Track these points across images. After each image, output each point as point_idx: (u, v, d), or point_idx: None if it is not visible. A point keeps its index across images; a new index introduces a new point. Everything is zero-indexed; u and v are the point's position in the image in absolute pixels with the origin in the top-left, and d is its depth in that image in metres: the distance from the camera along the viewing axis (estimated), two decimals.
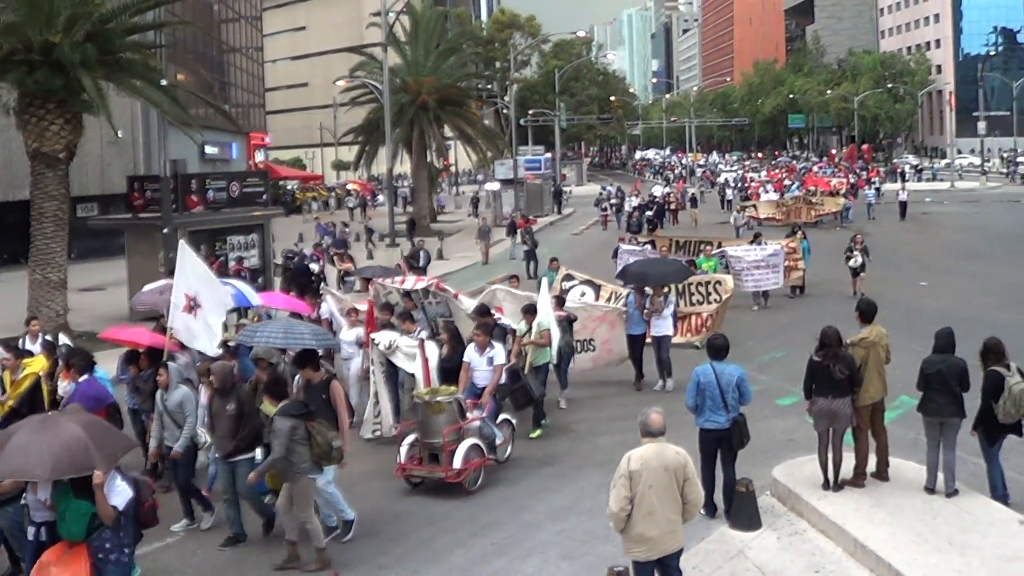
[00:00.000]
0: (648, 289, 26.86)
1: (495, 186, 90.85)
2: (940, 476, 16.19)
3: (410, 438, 18.99)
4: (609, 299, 30.71)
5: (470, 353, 20.47)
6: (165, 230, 37.98)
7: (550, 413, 23.40)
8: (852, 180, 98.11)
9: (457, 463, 18.12)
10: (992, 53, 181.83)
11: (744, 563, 14.77)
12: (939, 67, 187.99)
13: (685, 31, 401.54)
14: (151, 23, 39.00)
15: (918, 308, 34.58)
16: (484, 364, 20.20)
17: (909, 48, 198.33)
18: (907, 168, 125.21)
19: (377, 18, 64.01)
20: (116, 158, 65.47)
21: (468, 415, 18.99)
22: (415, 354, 21.40)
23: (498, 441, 19.45)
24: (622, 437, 18.78)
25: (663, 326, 26.29)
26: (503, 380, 20.56)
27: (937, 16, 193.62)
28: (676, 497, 11.84)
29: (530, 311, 22.82)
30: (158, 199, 39.27)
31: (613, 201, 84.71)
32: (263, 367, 17.68)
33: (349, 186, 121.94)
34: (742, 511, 15.91)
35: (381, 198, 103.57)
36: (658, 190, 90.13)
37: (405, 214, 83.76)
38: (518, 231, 59.43)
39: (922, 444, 16.94)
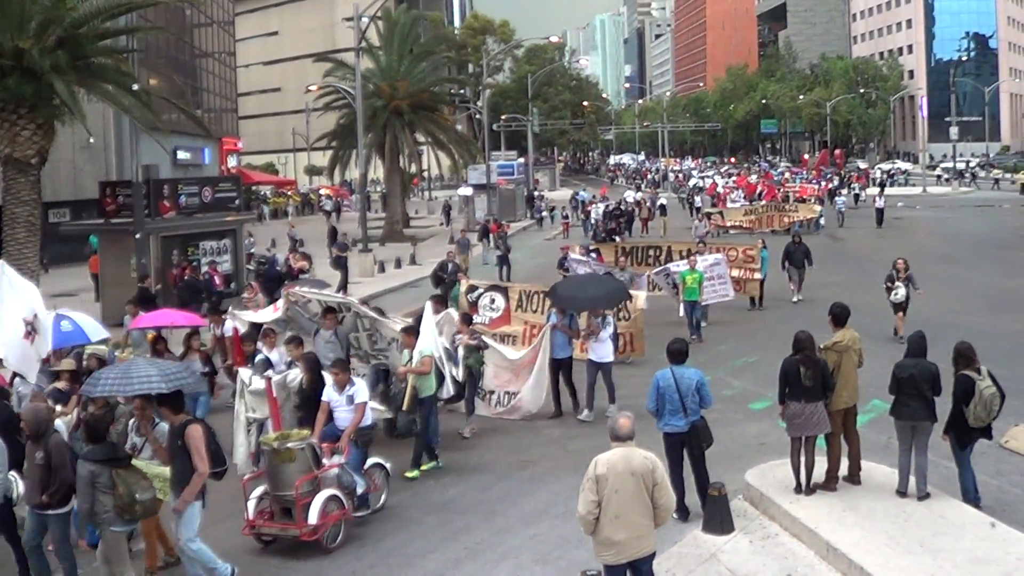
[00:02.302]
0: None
1: (468, 191, 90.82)
2: (912, 480, 16.25)
3: (258, 490, 16.66)
4: (519, 300, 30.06)
5: (328, 392, 18.08)
6: (137, 235, 37.90)
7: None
8: (832, 186, 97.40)
9: (312, 518, 15.91)
10: (964, 59, 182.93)
11: (717, 567, 14.78)
12: (911, 72, 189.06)
13: (658, 36, 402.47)
14: (123, 28, 38.89)
15: (890, 313, 34.64)
16: (344, 403, 17.86)
17: (881, 53, 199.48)
18: (882, 173, 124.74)
19: (350, 24, 63.90)
20: (88, 163, 65.25)
21: (325, 462, 16.88)
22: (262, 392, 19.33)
23: (360, 489, 17.15)
24: (595, 442, 18.74)
25: (603, 350, 23.88)
26: (368, 420, 18.21)
27: (909, 22, 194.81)
28: (645, 501, 11.85)
29: (410, 332, 20.97)
30: (130, 204, 39.12)
31: (543, 213, 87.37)
32: (99, 405, 16.64)
33: (322, 191, 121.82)
34: (715, 515, 15.93)
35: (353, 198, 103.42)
36: (631, 195, 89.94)
37: (378, 219, 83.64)
38: (490, 236, 59.45)
39: (894, 448, 17.00)
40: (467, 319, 24.23)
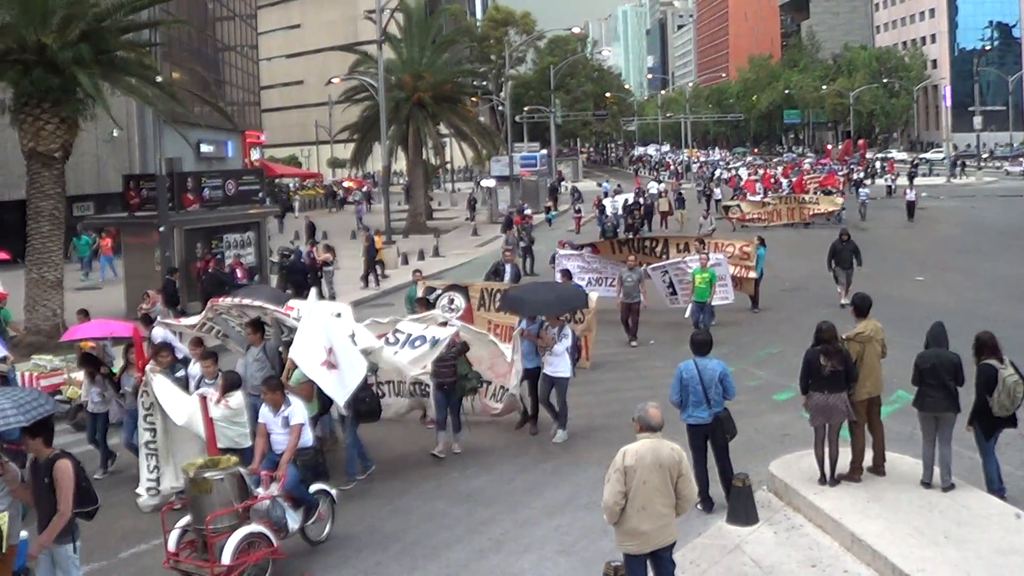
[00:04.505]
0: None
1: (491, 183, 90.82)
2: (936, 470, 16.24)
3: (183, 520, 15.17)
4: (481, 299, 29.41)
5: (263, 413, 16.52)
6: (161, 228, 38.02)
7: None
8: (857, 176, 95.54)
9: (226, 558, 14.33)
10: (987, 48, 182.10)
11: (741, 558, 14.80)
12: (934, 62, 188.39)
13: (680, 27, 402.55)
14: (145, 22, 38.97)
15: (914, 303, 34.57)
16: (279, 426, 16.23)
17: (904, 43, 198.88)
18: (911, 164, 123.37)
19: (372, 15, 64.00)
20: (112, 157, 65.58)
21: (259, 492, 15.42)
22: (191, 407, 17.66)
23: (293, 525, 15.63)
24: (619, 433, 18.75)
25: (558, 365, 21.76)
26: (308, 440, 16.50)
27: (932, 11, 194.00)
28: (670, 492, 11.90)
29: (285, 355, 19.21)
30: (154, 198, 39.20)
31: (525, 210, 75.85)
32: None
33: (345, 183, 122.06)
34: (739, 506, 15.95)
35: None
36: (654, 186, 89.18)
37: (401, 211, 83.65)
38: (514, 227, 59.35)
39: (918, 438, 16.98)
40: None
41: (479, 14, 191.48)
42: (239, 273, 38.85)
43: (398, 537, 16.52)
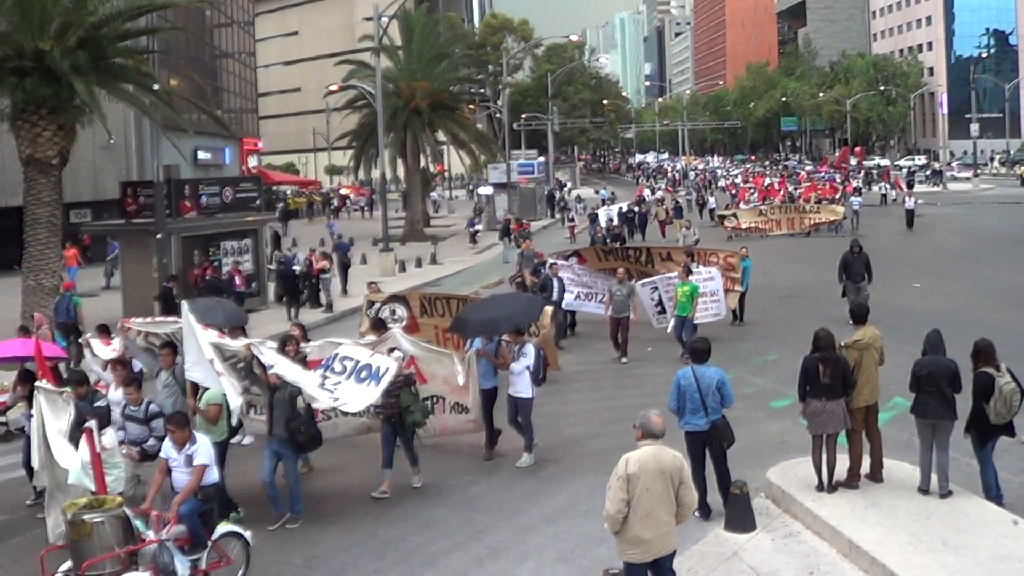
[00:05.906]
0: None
1: (488, 190, 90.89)
2: (934, 477, 16.24)
3: (65, 566, 13.92)
4: (422, 307, 28.84)
5: (166, 448, 15.45)
6: (159, 235, 37.98)
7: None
8: (856, 184, 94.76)
9: None
10: (984, 55, 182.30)
11: (739, 565, 14.79)
12: (931, 69, 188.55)
13: (677, 34, 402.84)
14: (143, 29, 39.04)
15: (911, 310, 34.55)
16: (182, 463, 15.16)
17: (901, 51, 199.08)
18: (908, 172, 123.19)
19: (370, 24, 63.95)
20: (109, 164, 65.46)
21: (149, 534, 14.14)
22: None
23: (183, 572, 14.13)
24: (617, 440, 18.76)
25: (519, 384, 20.68)
26: (212, 478, 15.34)
27: (929, 18, 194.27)
28: (672, 500, 11.88)
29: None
30: (151, 204, 39.21)
31: (475, 226, 75.22)
32: None
33: (343, 190, 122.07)
34: (737, 513, 15.94)
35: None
36: (648, 194, 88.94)
37: (399, 218, 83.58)
38: (511, 235, 59.31)
39: (916, 445, 17.00)
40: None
41: (476, 21, 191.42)
42: (237, 280, 38.85)
43: (396, 545, 16.50)
